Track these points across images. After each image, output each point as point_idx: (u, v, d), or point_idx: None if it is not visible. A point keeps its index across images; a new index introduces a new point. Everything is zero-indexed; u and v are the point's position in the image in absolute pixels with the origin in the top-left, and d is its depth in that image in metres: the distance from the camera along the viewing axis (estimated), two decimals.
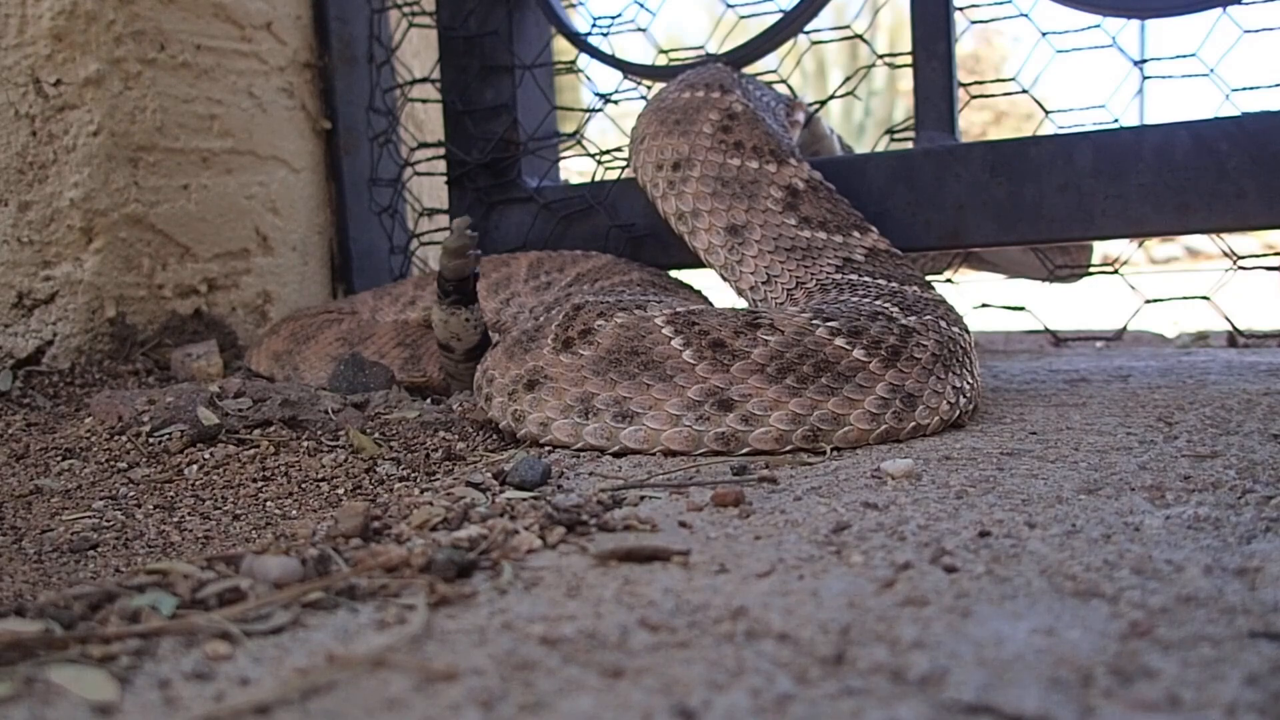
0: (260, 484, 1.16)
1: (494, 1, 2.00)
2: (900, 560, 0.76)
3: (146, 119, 1.84)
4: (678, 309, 1.27)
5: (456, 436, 1.37)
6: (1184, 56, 1.74)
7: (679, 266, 1.92)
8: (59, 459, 1.24)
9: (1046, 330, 1.82)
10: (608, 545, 0.80)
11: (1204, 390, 1.49)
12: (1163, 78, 1.76)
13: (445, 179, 2.08)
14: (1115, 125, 1.64)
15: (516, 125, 2.02)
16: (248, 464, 1.22)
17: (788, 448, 1.18)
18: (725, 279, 1.61)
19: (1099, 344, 2.09)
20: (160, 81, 1.87)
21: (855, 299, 1.37)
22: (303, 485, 1.16)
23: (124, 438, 1.29)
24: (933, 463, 1.10)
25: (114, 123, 1.79)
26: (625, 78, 1.99)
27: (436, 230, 2.16)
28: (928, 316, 1.32)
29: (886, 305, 1.33)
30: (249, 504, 1.11)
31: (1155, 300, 1.72)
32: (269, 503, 1.11)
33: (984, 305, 1.93)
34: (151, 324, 1.87)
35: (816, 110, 1.99)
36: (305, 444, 1.32)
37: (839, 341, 1.21)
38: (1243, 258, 1.73)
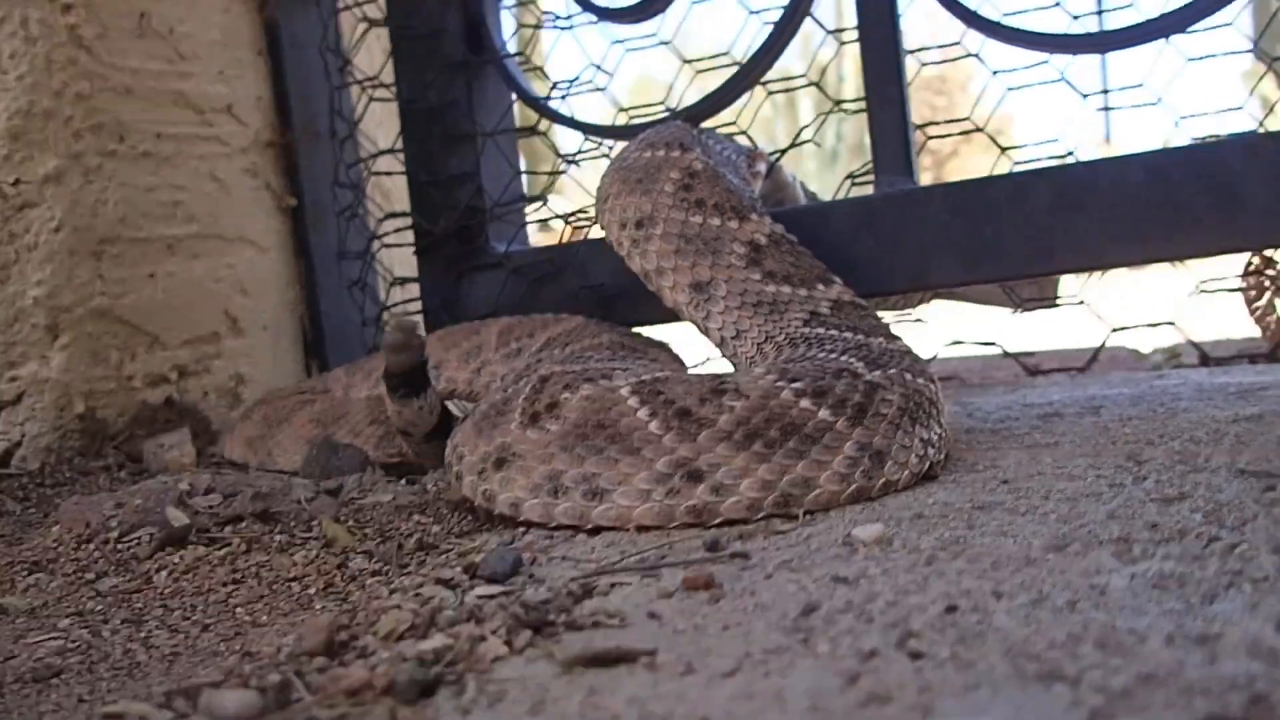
0: (230, 588, 1.16)
1: (453, 72, 2.02)
2: (867, 648, 0.76)
3: (109, 211, 1.85)
4: (643, 377, 1.27)
5: (431, 519, 1.37)
6: (1132, 87, 1.76)
7: (652, 323, 1.92)
8: (25, 573, 1.23)
9: (1020, 361, 1.83)
10: (575, 648, 0.79)
11: (1174, 420, 1.49)
12: (1111, 109, 1.78)
13: (414, 249, 2.09)
14: (1070, 161, 1.65)
15: (481, 192, 2.02)
16: (218, 566, 1.21)
17: (760, 515, 1.17)
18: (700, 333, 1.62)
19: (1072, 373, 2.10)
20: (121, 172, 1.87)
21: (822, 354, 1.37)
22: (274, 586, 1.15)
23: (92, 545, 1.28)
24: (904, 523, 1.10)
25: (76, 218, 1.79)
26: (586, 139, 2.00)
27: (409, 300, 2.16)
28: (892, 370, 1.32)
29: (851, 361, 1.33)
30: (218, 611, 1.10)
31: (1120, 329, 1.73)
32: (239, 609, 1.10)
33: (956, 342, 1.93)
34: (122, 416, 1.86)
35: (777, 159, 2.00)
36: (278, 538, 1.32)
37: (805, 403, 1.21)
38: (1204, 281, 1.74)
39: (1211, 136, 1.65)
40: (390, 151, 2.19)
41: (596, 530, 1.20)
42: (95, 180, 1.83)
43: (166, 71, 1.97)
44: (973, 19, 1.69)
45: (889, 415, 1.26)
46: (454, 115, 2.02)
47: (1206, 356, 2.03)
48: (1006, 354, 2.07)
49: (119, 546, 1.28)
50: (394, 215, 2.17)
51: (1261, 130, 1.54)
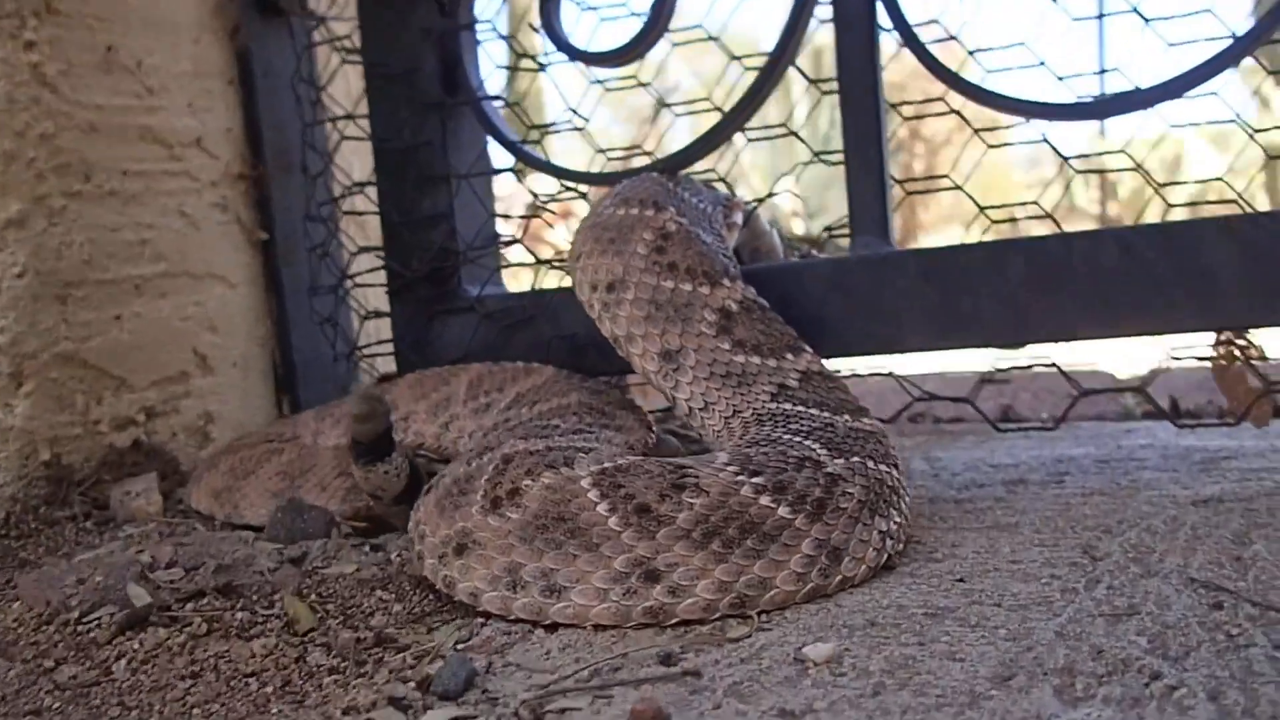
0: (189, 682, 1.15)
1: (427, 112, 2.00)
2: None
3: (74, 253, 1.83)
4: (605, 465, 1.27)
5: (394, 596, 1.37)
6: (1113, 152, 1.76)
7: (623, 373, 1.92)
8: None
9: (988, 421, 1.83)
10: None
11: (1134, 500, 1.50)
12: (1089, 172, 1.78)
13: (385, 290, 2.08)
14: (1044, 236, 1.64)
15: (455, 234, 2.01)
16: (176, 655, 1.21)
17: (716, 615, 1.18)
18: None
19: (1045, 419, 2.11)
20: (87, 213, 1.85)
21: (786, 435, 1.37)
22: (231, 683, 1.15)
23: (52, 627, 1.28)
24: (856, 633, 1.10)
25: (39, 262, 1.78)
26: (562, 186, 1.99)
27: (382, 341, 2.15)
28: (855, 459, 1.33)
29: (814, 447, 1.33)
30: (175, 713, 1.10)
31: (1091, 392, 1.73)
32: (195, 710, 1.10)
33: (930, 397, 1.92)
34: (89, 461, 1.85)
35: (755, 208, 1.99)
36: (239, 615, 1.31)
37: (764, 500, 1.22)
38: (1174, 349, 1.74)
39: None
40: (365, 185, 2.17)
41: (554, 626, 1.20)
42: (60, 223, 1.81)
43: (134, 106, 1.94)
44: (957, 83, 1.67)
45: (848, 510, 1.26)
46: (428, 155, 2.00)
47: (1177, 409, 2.04)
48: (985, 378, 2.06)
49: (79, 628, 1.28)
50: (368, 249, 2.16)
51: (1233, 216, 1.54)
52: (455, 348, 2.01)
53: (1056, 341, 1.66)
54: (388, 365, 2.16)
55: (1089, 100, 1.66)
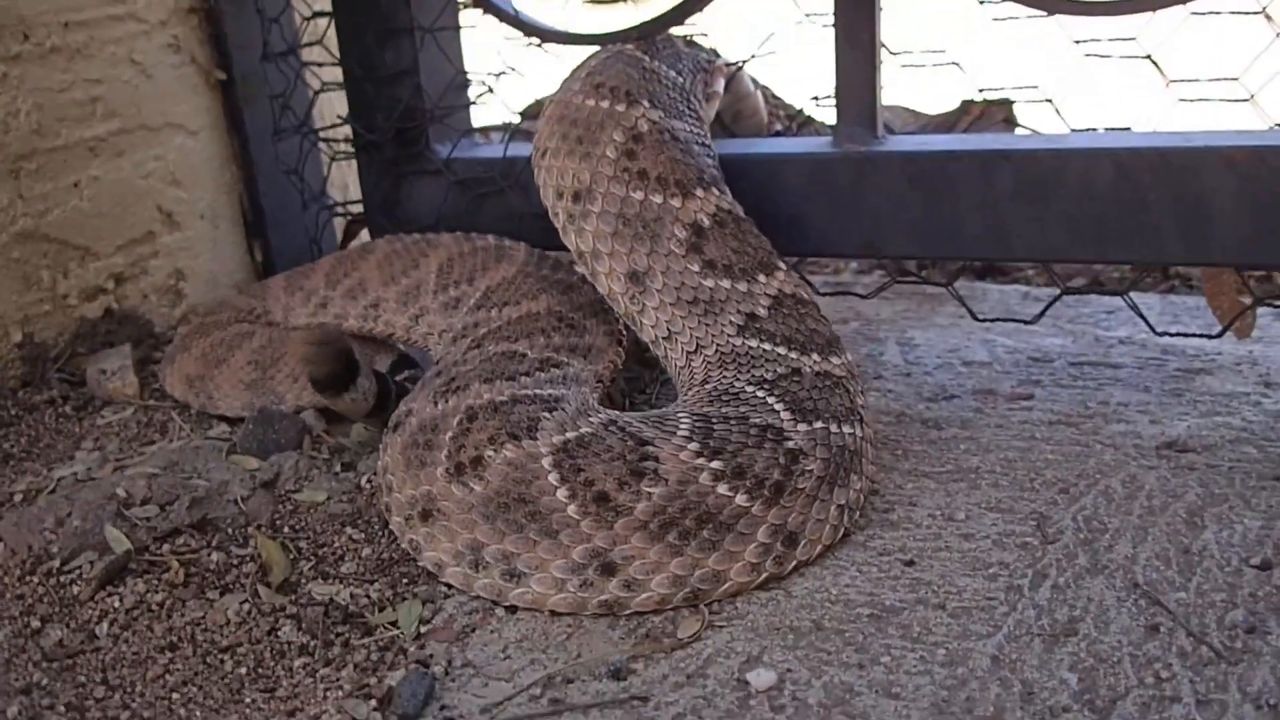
0: (168, 656, 1.21)
1: None
2: None
3: (21, 124, 1.73)
4: (567, 436, 1.27)
5: (364, 536, 1.41)
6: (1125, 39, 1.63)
7: None
8: None
9: (968, 310, 1.80)
10: None
11: (1098, 440, 1.51)
12: (1102, 56, 1.65)
13: (351, 147, 1.98)
14: (1037, 148, 1.55)
15: (421, 91, 1.90)
16: (156, 620, 1.26)
17: (669, 607, 1.22)
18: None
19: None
20: (30, 77, 1.74)
21: (749, 390, 1.36)
22: (207, 660, 1.21)
23: (35, 578, 1.32)
24: (801, 643, 1.15)
25: None
26: (529, 42, 1.85)
27: (351, 203, 2.07)
28: (818, 423, 1.33)
29: (778, 409, 1.32)
30: (155, 697, 1.16)
31: (1072, 290, 1.70)
32: (174, 693, 1.17)
33: (920, 280, 1.88)
34: (61, 336, 1.84)
35: (738, 69, 1.87)
36: (214, 557, 1.36)
37: (722, 489, 1.23)
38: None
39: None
40: (325, 14, 2.01)
41: (514, 608, 1.25)
42: (2, 92, 1.70)
43: None
44: None
45: (807, 489, 1.28)
46: (390, 5, 1.85)
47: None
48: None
49: (61, 579, 1.33)
50: (330, 87, 2.03)
51: (1237, 148, 1.44)
52: (426, 213, 1.95)
53: (1040, 261, 1.61)
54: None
55: None
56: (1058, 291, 1.68)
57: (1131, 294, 1.71)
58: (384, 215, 1.98)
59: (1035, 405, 1.64)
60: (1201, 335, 1.70)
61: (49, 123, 1.77)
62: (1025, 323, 1.78)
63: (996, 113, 2.09)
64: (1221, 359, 1.76)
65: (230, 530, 1.43)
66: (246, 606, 1.29)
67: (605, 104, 1.59)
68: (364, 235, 2.16)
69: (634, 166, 1.54)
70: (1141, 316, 1.69)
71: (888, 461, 1.50)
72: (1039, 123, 1.78)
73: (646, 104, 1.59)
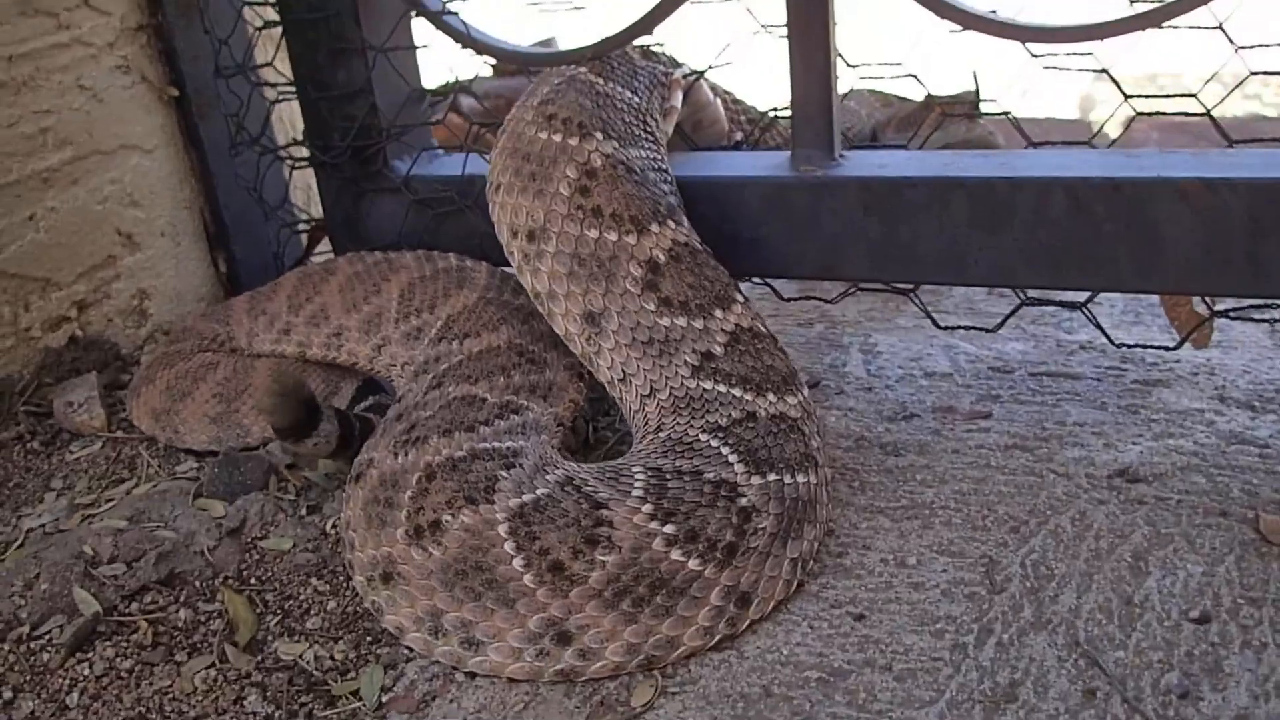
0: None
1: None
2: None
3: None
4: (523, 499, 1.29)
5: (329, 589, 1.44)
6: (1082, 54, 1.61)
7: None
8: None
9: (931, 319, 1.80)
10: None
11: (1051, 469, 1.52)
12: (1059, 69, 1.64)
13: (309, 164, 1.96)
14: (992, 176, 1.54)
15: (376, 111, 1.87)
16: (125, 689, 1.29)
17: (624, 673, 1.25)
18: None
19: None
20: None
21: (703, 439, 1.37)
22: None
23: (6, 645, 1.35)
24: (750, 713, 1.18)
25: None
26: (483, 64, 1.83)
27: (314, 220, 2.06)
28: (772, 475, 1.34)
29: (731, 461, 1.34)
30: None
31: (1032, 302, 1.70)
32: None
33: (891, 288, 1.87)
34: (26, 368, 1.84)
35: (695, 78, 1.84)
36: (182, 614, 1.39)
37: (675, 555, 1.25)
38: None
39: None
40: (276, 24, 1.97)
41: (472, 674, 1.28)
42: None
43: None
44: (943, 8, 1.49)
45: (759, 547, 1.30)
46: (339, 25, 1.82)
47: None
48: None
49: (32, 645, 1.36)
50: (285, 93, 2.00)
51: (1190, 181, 1.44)
52: (387, 230, 1.94)
53: (996, 286, 1.62)
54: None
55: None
56: (1020, 295, 1.68)
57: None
58: (345, 232, 1.97)
59: (993, 426, 1.66)
60: (1159, 347, 1.71)
61: None
62: (987, 331, 1.79)
63: (960, 107, 2.07)
64: (1180, 368, 1.77)
65: (198, 584, 1.46)
66: (213, 673, 1.32)
67: (558, 137, 1.58)
68: (328, 240, 2.15)
69: (588, 204, 1.53)
70: (1099, 328, 1.69)
71: (844, 495, 1.53)
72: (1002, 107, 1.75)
73: (600, 136, 1.57)
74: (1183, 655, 1.20)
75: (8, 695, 1.30)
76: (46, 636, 1.37)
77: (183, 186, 2.07)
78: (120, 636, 1.37)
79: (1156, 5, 1.42)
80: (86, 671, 1.33)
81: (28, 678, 1.33)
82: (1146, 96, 1.60)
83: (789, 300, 1.92)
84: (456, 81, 2.08)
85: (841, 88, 1.67)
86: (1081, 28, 1.45)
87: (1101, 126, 1.69)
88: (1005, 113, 1.67)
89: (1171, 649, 1.21)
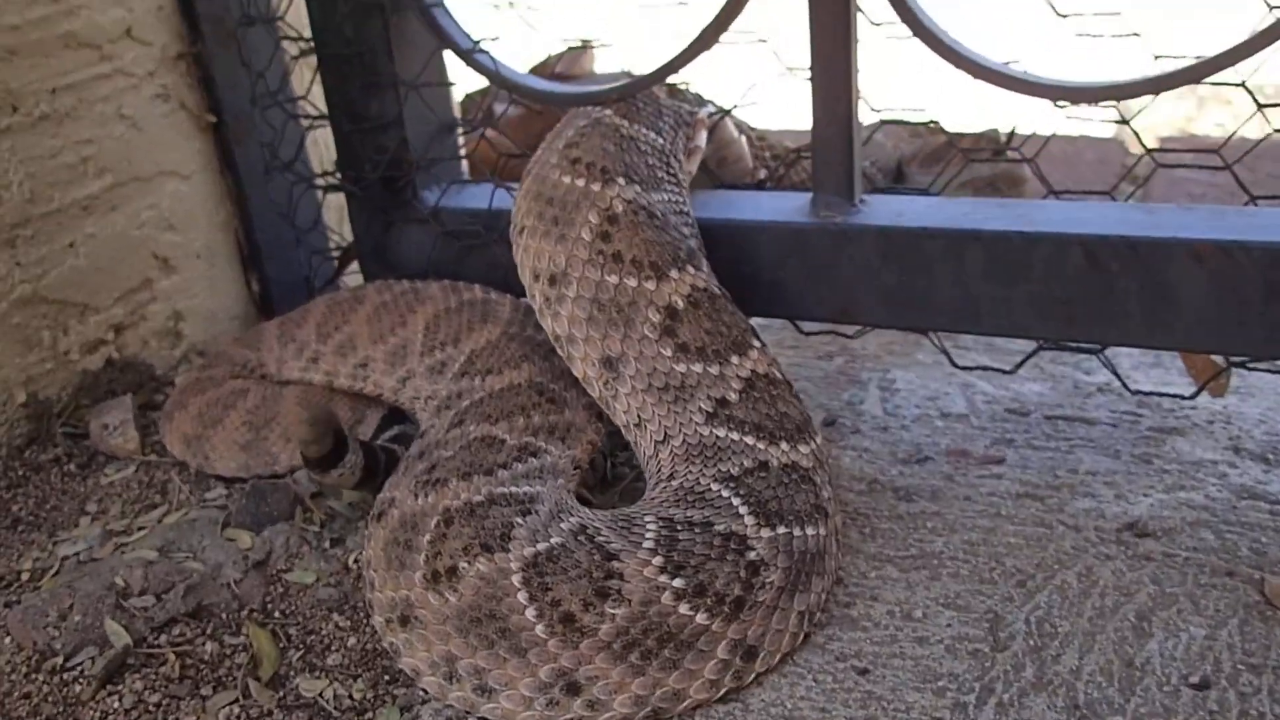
0: None
1: (369, 12, 1.82)
2: None
3: (14, 194, 1.77)
4: (538, 548, 1.33)
5: (349, 625, 1.49)
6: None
7: None
8: None
9: (949, 359, 1.82)
10: None
11: (1061, 521, 1.54)
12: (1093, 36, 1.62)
13: (344, 194, 2.00)
14: (1008, 230, 1.56)
15: (406, 144, 1.91)
16: None
17: None
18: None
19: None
20: (20, 147, 1.77)
21: (714, 489, 1.40)
22: None
23: (40, 676, 1.41)
24: None
25: None
26: (510, 100, 1.86)
27: (342, 248, 2.10)
28: (781, 528, 1.37)
29: (741, 513, 1.37)
30: None
31: (1048, 347, 1.71)
32: None
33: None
34: (64, 390, 1.90)
35: (720, 117, 1.87)
36: (208, 648, 1.45)
37: (683, 609, 1.28)
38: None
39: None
40: (312, 52, 2.01)
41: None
42: None
43: (52, 15, 1.78)
44: (959, 60, 1.50)
45: (766, 601, 1.33)
46: (372, 61, 1.86)
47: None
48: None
49: (64, 676, 1.41)
50: (318, 118, 2.04)
51: (1204, 243, 1.45)
52: (415, 259, 1.98)
53: (1008, 336, 1.64)
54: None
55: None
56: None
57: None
58: (375, 260, 2.01)
59: (1005, 473, 1.67)
60: (1176, 395, 1.72)
61: (41, 189, 1.80)
62: (1004, 372, 1.81)
63: (986, 144, 2.08)
64: (1196, 415, 1.78)
65: (224, 616, 1.51)
66: (237, 709, 1.37)
67: (580, 182, 1.61)
68: (358, 265, 2.19)
69: (609, 249, 1.56)
70: (1116, 375, 1.71)
71: (855, 542, 1.55)
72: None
73: (622, 181, 1.60)
74: None
75: None
76: (79, 668, 1.43)
77: (218, 210, 2.12)
78: (149, 669, 1.43)
79: (1178, 66, 1.43)
80: (116, 704, 1.38)
81: (60, 709, 1.38)
82: (1169, 150, 1.61)
83: (809, 335, 1.95)
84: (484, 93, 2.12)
85: (866, 125, 1.69)
86: (1101, 88, 1.46)
87: (1130, 170, 1.70)
88: (1029, 159, 1.69)
89: (1169, 715, 1.23)
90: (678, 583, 1.29)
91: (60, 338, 1.88)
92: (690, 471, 1.47)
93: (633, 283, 1.55)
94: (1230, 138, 1.57)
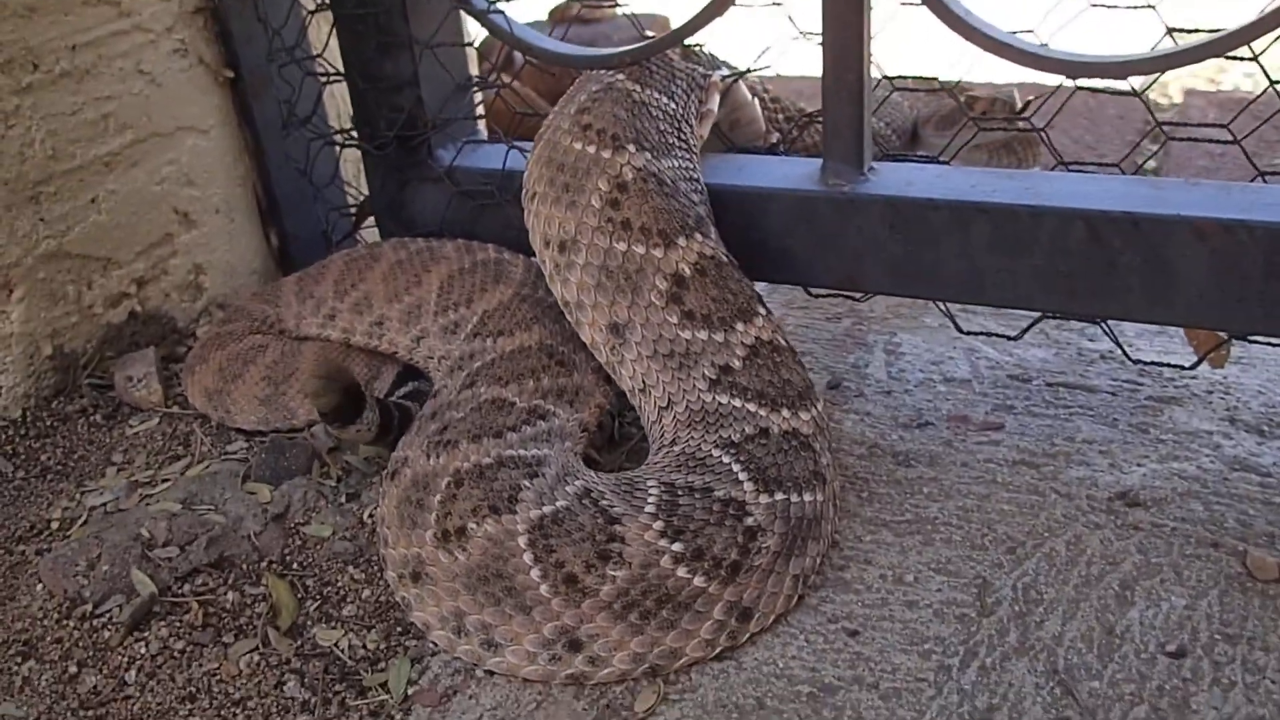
0: (188, 708, 1.37)
1: None
2: None
3: (37, 151, 1.81)
4: (543, 511, 1.38)
5: (364, 577, 1.55)
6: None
7: None
8: (18, 660, 1.45)
9: (955, 325, 1.84)
10: None
11: (1054, 489, 1.58)
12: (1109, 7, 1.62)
13: (359, 151, 2.03)
14: (1015, 203, 1.57)
15: (421, 103, 1.93)
16: (177, 670, 1.42)
17: (630, 679, 1.35)
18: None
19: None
20: (42, 105, 1.80)
21: (715, 455, 1.45)
22: (222, 713, 1.37)
23: (71, 622, 1.48)
24: None
25: (4, 171, 1.77)
26: (525, 61, 1.87)
27: (357, 201, 2.13)
28: (779, 494, 1.42)
29: (740, 478, 1.41)
30: None
31: (1047, 316, 1.74)
32: None
33: None
34: (89, 343, 1.96)
35: (734, 80, 1.88)
36: (230, 597, 1.52)
37: (681, 571, 1.34)
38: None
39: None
40: (329, 6, 2.03)
41: (491, 673, 1.39)
42: (16, 123, 1.77)
43: None
44: (968, 31, 1.51)
45: (762, 565, 1.38)
46: (388, 20, 1.87)
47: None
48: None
49: (94, 623, 1.49)
50: (333, 77, 2.07)
51: (1207, 220, 1.46)
52: (430, 217, 2.01)
53: (1011, 307, 1.66)
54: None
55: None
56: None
57: None
58: (390, 217, 2.05)
59: (1004, 439, 1.71)
60: (1176, 366, 1.75)
61: (63, 146, 1.84)
62: (1009, 338, 1.83)
63: (1000, 108, 2.08)
64: (1195, 385, 1.80)
65: (245, 567, 1.57)
66: (256, 657, 1.44)
67: (591, 149, 1.63)
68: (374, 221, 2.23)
69: (618, 217, 1.59)
70: (1118, 344, 1.73)
71: (852, 506, 1.60)
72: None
73: (633, 149, 1.62)
74: (1154, 689, 1.27)
75: (73, 670, 1.44)
76: (107, 615, 1.50)
77: (237, 165, 2.15)
78: (174, 617, 1.50)
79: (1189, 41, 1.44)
80: (143, 650, 1.45)
81: (90, 653, 1.46)
82: (1180, 125, 1.62)
83: (818, 297, 1.98)
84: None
85: (879, 91, 1.70)
86: (1112, 63, 1.46)
87: (1150, 130, 1.71)
88: (1040, 129, 1.70)
89: (1144, 682, 1.28)
90: (677, 547, 1.34)
91: (84, 292, 1.93)
92: (692, 437, 1.51)
93: (641, 250, 1.58)
94: (1258, 97, 1.57)
